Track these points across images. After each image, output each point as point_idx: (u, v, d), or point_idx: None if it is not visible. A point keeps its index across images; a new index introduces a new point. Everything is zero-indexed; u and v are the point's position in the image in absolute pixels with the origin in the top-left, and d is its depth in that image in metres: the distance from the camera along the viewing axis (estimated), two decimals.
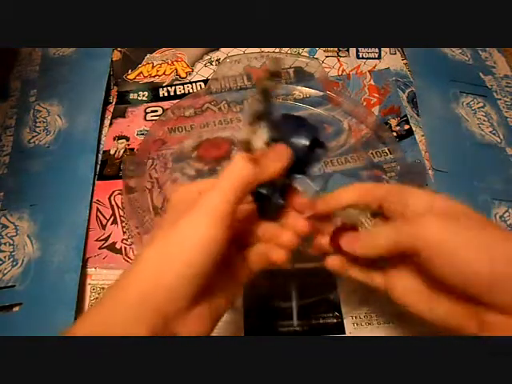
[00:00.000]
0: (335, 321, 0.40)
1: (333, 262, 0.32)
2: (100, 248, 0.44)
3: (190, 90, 0.57)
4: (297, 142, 0.29)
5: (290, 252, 0.28)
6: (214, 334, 0.39)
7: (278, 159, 0.28)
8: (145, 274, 0.24)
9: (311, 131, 0.29)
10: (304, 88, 0.55)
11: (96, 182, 0.49)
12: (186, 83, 0.58)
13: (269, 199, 0.29)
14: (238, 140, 0.26)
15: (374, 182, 0.31)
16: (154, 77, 0.59)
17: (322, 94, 0.55)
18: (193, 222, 0.25)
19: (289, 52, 0.60)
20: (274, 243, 0.29)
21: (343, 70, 0.59)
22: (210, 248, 0.25)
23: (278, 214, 0.29)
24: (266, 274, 0.41)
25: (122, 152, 0.51)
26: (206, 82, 0.58)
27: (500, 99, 0.57)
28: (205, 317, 0.26)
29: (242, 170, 0.26)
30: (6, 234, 0.45)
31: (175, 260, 0.24)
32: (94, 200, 0.47)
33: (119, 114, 0.55)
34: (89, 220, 0.45)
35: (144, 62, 0.60)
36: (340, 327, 0.40)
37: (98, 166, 0.50)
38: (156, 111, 0.55)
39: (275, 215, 0.29)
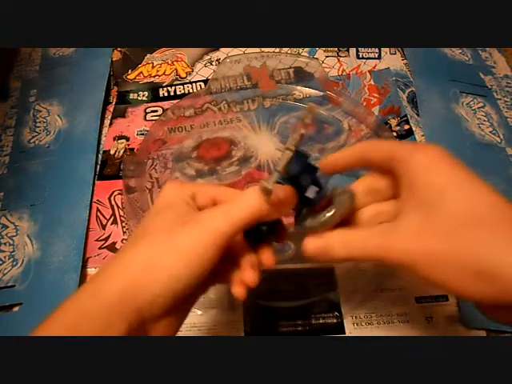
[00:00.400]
0: (335, 321, 0.40)
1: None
2: (100, 248, 0.44)
3: (190, 90, 0.57)
4: (304, 187, 0.29)
5: (249, 290, 0.28)
6: (214, 334, 0.39)
7: (286, 203, 0.28)
8: (130, 275, 0.24)
9: (315, 179, 0.29)
10: (304, 88, 0.55)
11: (96, 181, 0.49)
12: (186, 83, 0.58)
13: (262, 233, 0.29)
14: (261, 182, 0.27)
15: (378, 140, 0.29)
16: (154, 77, 0.59)
17: (322, 93, 0.55)
18: (192, 240, 0.25)
19: (289, 52, 0.60)
20: (239, 277, 0.29)
21: (343, 70, 0.59)
22: (202, 269, 0.25)
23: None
24: (266, 274, 0.41)
25: (121, 152, 0.51)
26: (205, 82, 0.58)
27: (500, 99, 0.57)
28: (175, 322, 0.27)
29: (254, 206, 0.26)
30: (6, 234, 0.45)
31: (166, 271, 0.24)
32: (94, 200, 0.47)
33: (119, 114, 0.55)
34: (89, 220, 0.45)
35: (144, 62, 0.60)
36: (340, 327, 0.40)
37: (98, 166, 0.50)
38: (156, 111, 0.55)
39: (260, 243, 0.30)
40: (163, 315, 0.25)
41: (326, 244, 0.28)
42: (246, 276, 0.28)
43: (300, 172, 0.28)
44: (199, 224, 0.25)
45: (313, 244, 0.28)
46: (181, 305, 0.26)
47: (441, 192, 0.24)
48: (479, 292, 0.23)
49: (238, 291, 0.28)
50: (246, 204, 0.26)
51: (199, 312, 0.40)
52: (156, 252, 0.25)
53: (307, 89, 0.55)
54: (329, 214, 0.28)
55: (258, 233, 0.29)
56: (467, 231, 0.23)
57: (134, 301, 0.24)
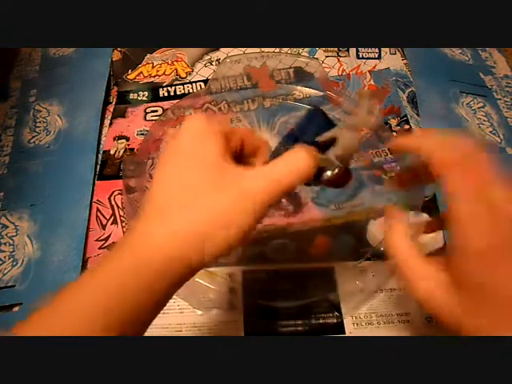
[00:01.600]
0: (335, 321, 0.40)
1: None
2: (100, 248, 0.44)
3: (190, 90, 0.57)
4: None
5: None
6: (214, 334, 0.39)
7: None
8: (196, 224, 0.23)
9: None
10: (304, 88, 0.55)
11: (96, 181, 0.49)
12: (186, 83, 0.58)
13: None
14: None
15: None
16: (154, 77, 0.59)
17: (322, 94, 0.54)
18: (240, 209, 0.24)
19: (289, 52, 0.60)
20: None
21: (343, 70, 0.59)
22: (241, 243, 0.24)
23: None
24: (266, 274, 0.41)
25: (121, 152, 0.51)
26: (205, 82, 0.58)
27: (500, 99, 0.57)
28: None
29: (303, 170, 0.25)
30: (6, 234, 0.45)
31: (235, 225, 0.23)
32: (94, 200, 0.47)
33: (119, 114, 0.55)
34: (89, 220, 0.45)
35: (144, 62, 0.60)
36: (340, 327, 0.40)
37: (98, 166, 0.50)
38: (156, 111, 0.55)
39: None
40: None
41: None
42: None
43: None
44: (245, 186, 0.24)
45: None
46: None
47: None
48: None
49: None
50: (295, 165, 0.25)
51: (199, 312, 0.40)
52: (205, 217, 0.23)
53: (307, 89, 0.55)
54: None
55: None
56: None
57: (193, 253, 0.23)
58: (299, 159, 0.25)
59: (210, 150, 0.25)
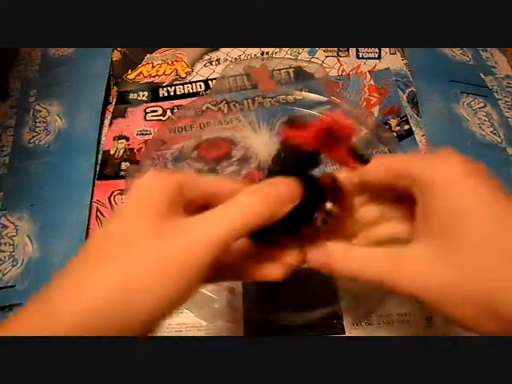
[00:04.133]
0: (335, 321, 0.40)
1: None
2: None
3: (190, 90, 0.57)
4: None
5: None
6: (214, 334, 0.39)
7: (289, 199, 0.24)
8: (103, 296, 0.21)
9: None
10: (304, 88, 0.55)
11: (96, 181, 0.49)
12: (186, 83, 0.58)
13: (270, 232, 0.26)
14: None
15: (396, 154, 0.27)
16: (154, 77, 0.59)
17: (321, 95, 0.54)
18: (184, 254, 0.21)
19: (289, 52, 0.60)
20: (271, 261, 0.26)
21: (343, 70, 0.59)
22: (195, 283, 0.22)
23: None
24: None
25: (121, 152, 0.51)
26: (205, 81, 0.58)
27: (501, 99, 0.57)
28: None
29: (253, 208, 0.23)
30: (6, 234, 0.45)
31: (153, 293, 0.21)
32: (94, 200, 0.47)
33: (119, 114, 0.55)
34: (89, 220, 0.45)
35: (144, 62, 0.60)
36: (340, 327, 0.40)
37: (98, 166, 0.50)
38: (156, 111, 0.55)
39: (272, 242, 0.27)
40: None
41: (328, 257, 0.26)
42: (288, 257, 0.26)
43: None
44: (191, 234, 0.22)
45: (314, 256, 0.27)
46: None
47: (460, 216, 0.22)
48: (486, 328, 0.22)
49: (278, 271, 0.26)
50: (243, 206, 0.23)
51: (204, 323, 0.40)
52: (140, 269, 0.21)
53: (307, 89, 0.55)
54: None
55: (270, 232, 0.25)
56: (484, 263, 0.21)
57: (106, 325, 0.21)
58: (247, 199, 0.23)
59: (155, 204, 0.23)
